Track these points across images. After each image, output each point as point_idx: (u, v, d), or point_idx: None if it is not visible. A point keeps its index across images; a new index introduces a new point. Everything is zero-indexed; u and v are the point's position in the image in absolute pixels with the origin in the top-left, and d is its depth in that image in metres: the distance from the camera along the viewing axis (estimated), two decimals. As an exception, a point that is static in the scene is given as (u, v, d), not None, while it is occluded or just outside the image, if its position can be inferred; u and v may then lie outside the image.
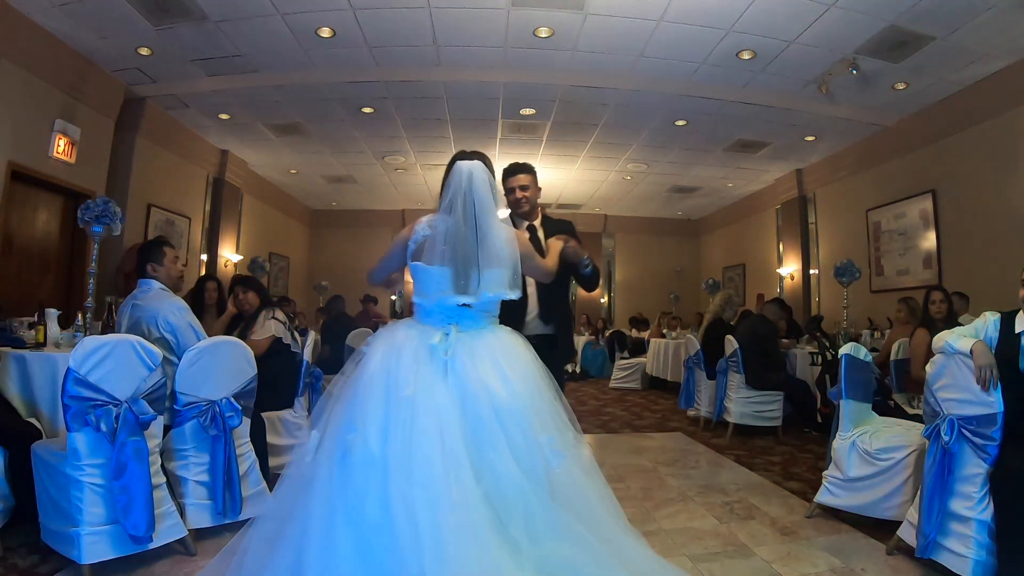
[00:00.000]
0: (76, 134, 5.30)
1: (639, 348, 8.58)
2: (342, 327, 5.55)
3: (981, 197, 5.69)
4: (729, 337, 4.80)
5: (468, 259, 1.77)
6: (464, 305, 1.80)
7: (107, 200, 3.08)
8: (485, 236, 1.80)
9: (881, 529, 2.55)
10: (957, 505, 2.11)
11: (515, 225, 2.56)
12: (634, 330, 9.88)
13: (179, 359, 2.46)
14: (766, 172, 8.88)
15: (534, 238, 2.52)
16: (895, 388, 3.82)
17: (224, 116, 6.87)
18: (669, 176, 9.24)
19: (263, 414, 2.96)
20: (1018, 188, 5.27)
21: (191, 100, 6.37)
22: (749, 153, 7.99)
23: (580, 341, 9.56)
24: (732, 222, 11.20)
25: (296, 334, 3.52)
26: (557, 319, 2.57)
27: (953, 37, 4.71)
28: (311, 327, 5.07)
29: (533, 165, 2.68)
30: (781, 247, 9.31)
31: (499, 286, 1.83)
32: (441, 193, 1.87)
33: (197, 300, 3.83)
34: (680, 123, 6.92)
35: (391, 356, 1.74)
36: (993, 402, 2.06)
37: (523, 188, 2.56)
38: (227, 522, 2.44)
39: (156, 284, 2.82)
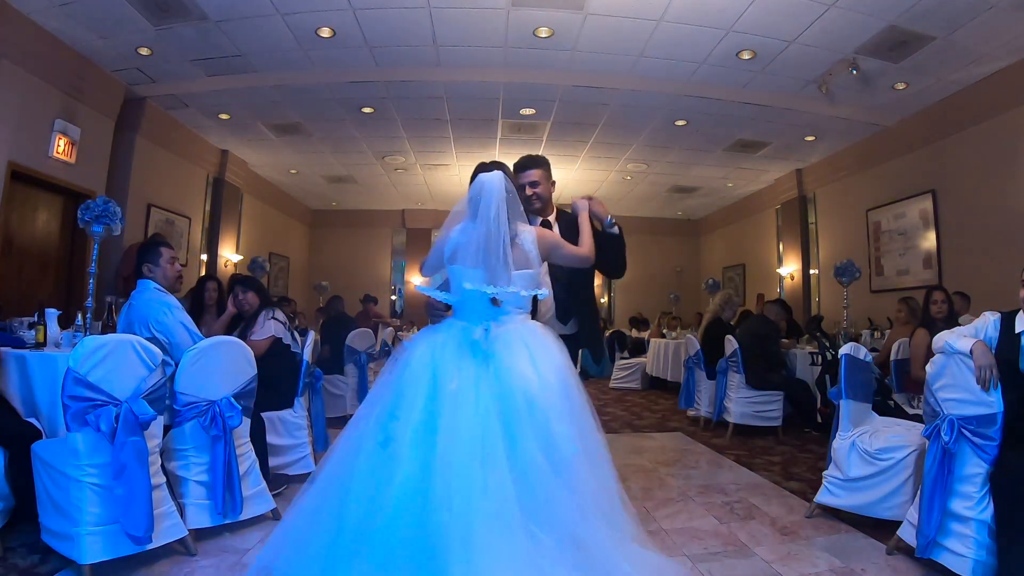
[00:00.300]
0: (76, 134, 5.29)
1: (639, 348, 8.58)
2: (342, 327, 5.54)
3: (981, 197, 5.69)
4: (729, 337, 4.79)
5: (499, 261, 1.92)
6: (496, 304, 1.93)
7: (107, 200, 3.07)
8: (513, 239, 1.97)
9: (881, 529, 2.55)
10: (957, 505, 2.11)
11: (528, 222, 2.52)
12: (634, 330, 9.87)
13: (173, 358, 2.46)
14: (766, 172, 8.88)
15: None
16: (895, 388, 3.81)
17: (224, 116, 6.87)
18: (669, 176, 9.24)
19: (263, 414, 2.96)
20: (1018, 188, 5.27)
21: (191, 100, 6.37)
22: (749, 153, 7.99)
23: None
24: (732, 222, 11.20)
25: (296, 334, 3.52)
26: (578, 318, 2.51)
27: (953, 37, 4.71)
28: (311, 327, 5.06)
29: (545, 157, 2.57)
30: (781, 247, 9.31)
31: (530, 285, 1.99)
32: (468, 202, 2.04)
33: (197, 300, 3.83)
34: (680, 123, 6.92)
35: (435, 350, 1.88)
36: (993, 402, 2.06)
37: (533, 184, 2.46)
38: (227, 522, 2.44)
39: (152, 284, 2.82)
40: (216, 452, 2.40)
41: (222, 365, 2.51)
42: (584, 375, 9.33)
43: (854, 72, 5.25)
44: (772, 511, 2.93)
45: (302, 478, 3.22)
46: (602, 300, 12.36)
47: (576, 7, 4.62)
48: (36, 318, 2.95)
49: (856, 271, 4.97)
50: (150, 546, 2.09)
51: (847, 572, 2.22)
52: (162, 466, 2.28)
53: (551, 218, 2.55)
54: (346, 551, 1.63)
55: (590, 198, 2.43)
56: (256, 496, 2.59)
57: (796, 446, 4.41)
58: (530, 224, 2.22)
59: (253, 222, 9.39)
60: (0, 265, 4.73)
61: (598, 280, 2.54)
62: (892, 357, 3.90)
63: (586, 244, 2.28)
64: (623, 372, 8.12)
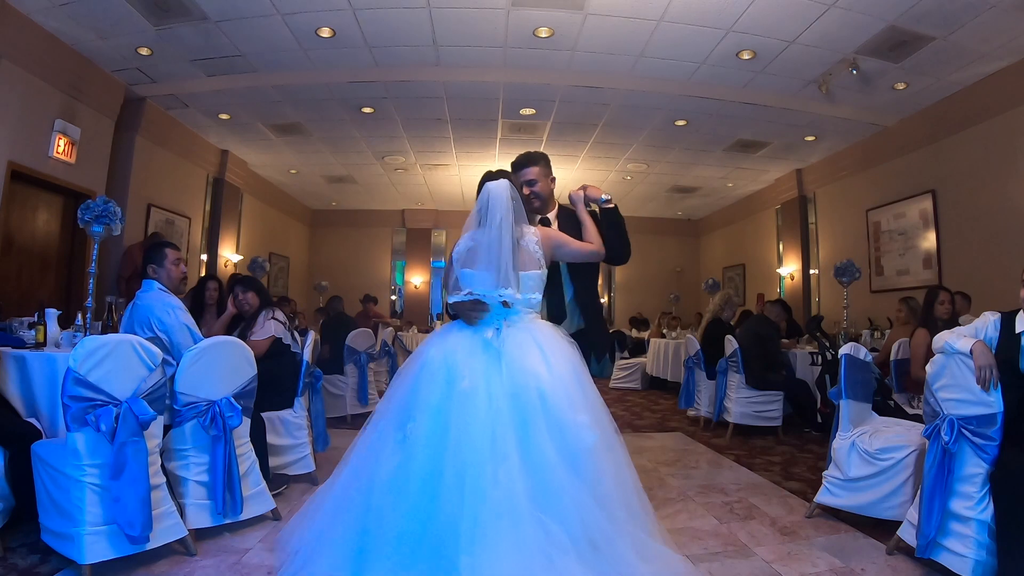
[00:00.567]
0: (76, 134, 5.30)
1: (639, 348, 8.59)
2: (342, 327, 5.54)
3: (981, 197, 5.69)
4: (729, 337, 4.79)
5: (507, 264, 2.02)
6: (506, 305, 2.01)
7: (107, 200, 3.08)
8: (517, 242, 2.06)
9: (881, 529, 2.55)
10: (957, 505, 2.11)
11: (529, 221, 2.48)
12: (634, 330, 9.87)
13: (174, 359, 2.46)
14: (766, 172, 8.88)
15: None
16: (895, 388, 3.81)
17: (224, 116, 6.87)
18: (669, 176, 9.25)
19: (263, 414, 2.96)
20: (1018, 188, 5.27)
21: (191, 100, 6.38)
22: (749, 153, 7.99)
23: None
24: (732, 222, 11.20)
25: (296, 334, 3.52)
26: (583, 316, 2.46)
27: (953, 37, 4.71)
28: (311, 327, 5.06)
29: (543, 153, 2.53)
30: (781, 247, 9.31)
31: (537, 286, 2.09)
32: (476, 211, 2.14)
33: (198, 299, 3.84)
34: (680, 123, 6.92)
35: (448, 350, 1.97)
36: (993, 402, 2.06)
37: (530, 183, 2.43)
38: (227, 522, 2.44)
39: (156, 284, 2.84)
40: (216, 452, 2.40)
41: (222, 365, 2.51)
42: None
43: (854, 72, 5.25)
44: (772, 511, 2.93)
45: (302, 478, 3.24)
46: (602, 300, 12.36)
47: (576, 7, 4.62)
48: (36, 318, 2.96)
49: (856, 271, 4.97)
50: (150, 546, 2.09)
51: (847, 572, 2.22)
52: (162, 466, 2.28)
53: (551, 215, 2.50)
54: (373, 543, 1.75)
55: (584, 187, 2.42)
56: (256, 496, 2.59)
57: (796, 446, 4.41)
58: (529, 223, 2.23)
59: (253, 222, 9.39)
60: (0, 265, 4.73)
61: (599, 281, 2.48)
62: (892, 357, 3.90)
63: (592, 238, 2.30)
64: (623, 372, 8.12)
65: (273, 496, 2.73)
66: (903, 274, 6.80)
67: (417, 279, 12.02)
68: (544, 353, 1.93)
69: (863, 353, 2.97)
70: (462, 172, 9.04)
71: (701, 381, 5.26)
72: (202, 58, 5.45)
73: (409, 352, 8.44)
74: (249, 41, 5.13)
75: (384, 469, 1.84)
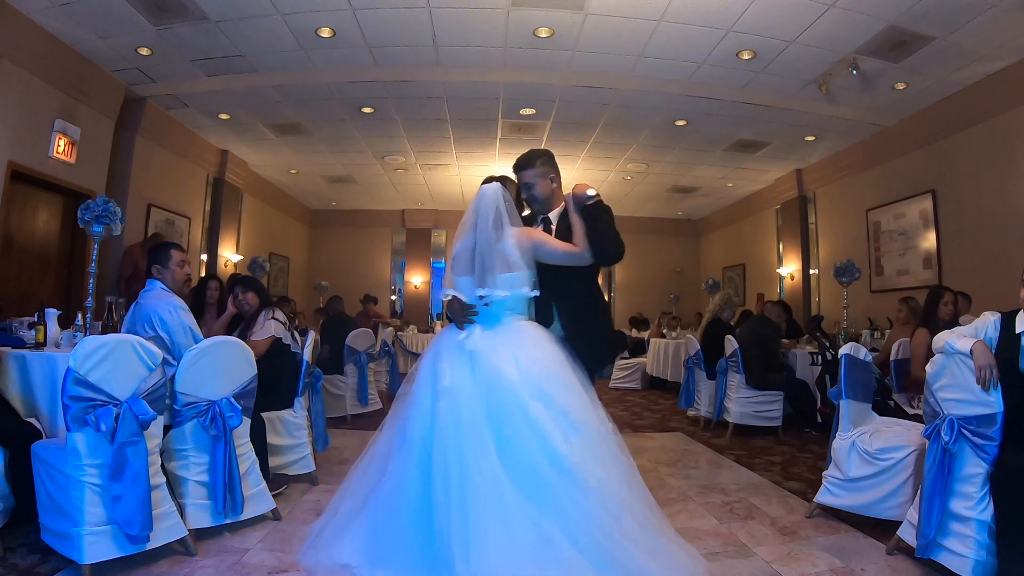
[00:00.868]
0: (76, 134, 5.29)
1: (639, 348, 8.58)
2: (342, 327, 5.54)
3: (981, 197, 5.69)
4: (729, 337, 4.79)
5: (487, 267, 2.11)
6: (486, 305, 2.11)
7: (107, 200, 3.08)
8: (497, 243, 2.13)
9: (881, 529, 2.55)
10: (957, 505, 2.11)
11: (531, 223, 2.44)
12: (634, 330, 9.87)
13: (175, 358, 2.46)
14: (766, 172, 8.88)
15: (547, 231, 2.38)
16: (895, 388, 3.81)
17: (224, 116, 6.87)
18: (669, 176, 9.24)
19: (263, 414, 2.96)
20: (1018, 188, 5.27)
21: (191, 100, 6.37)
22: (749, 153, 7.99)
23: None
24: (732, 222, 11.20)
25: (296, 334, 3.52)
26: (565, 325, 2.33)
27: (953, 37, 4.71)
28: (311, 327, 5.06)
29: (543, 151, 2.45)
30: (781, 247, 9.31)
31: (516, 286, 2.13)
32: (465, 215, 2.24)
33: (199, 298, 3.84)
34: (680, 123, 6.92)
35: (434, 353, 2.15)
36: (993, 402, 2.06)
37: (527, 187, 2.38)
38: (227, 522, 2.44)
39: (159, 285, 2.85)
40: (216, 452, 2.40)
41: (222, 365, 2.51)
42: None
43: (854, 72, 5.25)
44: (772, 511, 2.93)
45: (302, 478, 3.24)
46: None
47: (576, 7, 4.62)
48: (36, 318, 2.96)
49: (856, 271, 4.97)
50: (150, 546, 2.09)
51: (847, 572, 2.23)
52: (162, 466, 2.28)
53: (552, 215, 2.45)
54: (385, 537, 1.96)
55: (574, 188, 2.37)
56: (256, 496, 2.59)
57: (796, 446, 4.41)
58: (532, 225, 2.30)
59: (253, 222, 9.39)
60: (0, 265, 4.73)
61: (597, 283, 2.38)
62: (892, 357, 3.90)
63: (579, 240, 2.24)
64: (623, 372, 8.12)
65: (273, 496, 2.73)
66: (903, 274, 6.80)
67: (417, 279, 12.03)
68: (516, 354, 2.01)
69: (863, 353, 2.97)
70: (462, 172, 9.03)
71: (701, 381, 5.26)
72: (202, 58, 5.44)
73: (409, 352, 8.46)
74: (249, 41, 5.13)
75: (395, 466, 2.04)
